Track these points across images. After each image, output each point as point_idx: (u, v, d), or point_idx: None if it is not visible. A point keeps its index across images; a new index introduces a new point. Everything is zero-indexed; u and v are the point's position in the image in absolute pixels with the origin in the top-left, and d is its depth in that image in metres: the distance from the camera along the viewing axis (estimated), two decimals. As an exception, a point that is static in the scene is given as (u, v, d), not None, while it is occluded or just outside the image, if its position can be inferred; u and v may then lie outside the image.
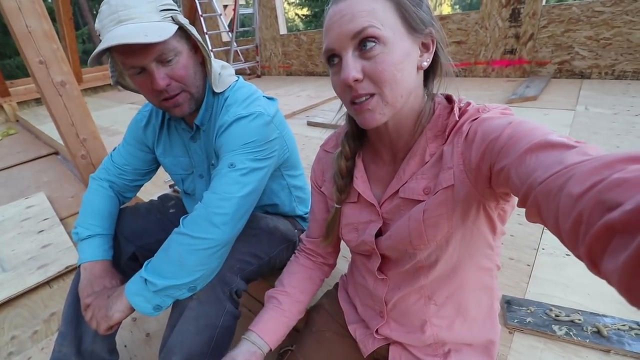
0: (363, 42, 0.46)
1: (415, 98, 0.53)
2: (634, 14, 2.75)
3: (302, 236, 0.82)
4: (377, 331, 0.68)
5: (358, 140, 0.64)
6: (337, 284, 0.86)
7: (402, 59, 0.47)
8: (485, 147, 0.44)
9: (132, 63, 0.72)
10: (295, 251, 0.83)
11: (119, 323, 0.77)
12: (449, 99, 0.56)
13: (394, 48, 0.46)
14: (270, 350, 0.70)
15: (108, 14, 0.70)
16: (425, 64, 0.51)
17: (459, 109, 0.53)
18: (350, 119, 0.63)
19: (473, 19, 3.51)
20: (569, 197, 0.28)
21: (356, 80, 0.47)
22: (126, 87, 0.89)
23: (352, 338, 0.74)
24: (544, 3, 3.11)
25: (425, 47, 0.51)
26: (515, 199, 0.40)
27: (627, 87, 2.69)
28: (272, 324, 0.71)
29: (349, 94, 0.49)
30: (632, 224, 0.22)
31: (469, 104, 0.53)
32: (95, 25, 0.73)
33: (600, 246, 0.25)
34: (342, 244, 0.75)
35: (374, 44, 0.46)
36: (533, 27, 3.20)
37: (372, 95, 0.48)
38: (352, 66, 0.47)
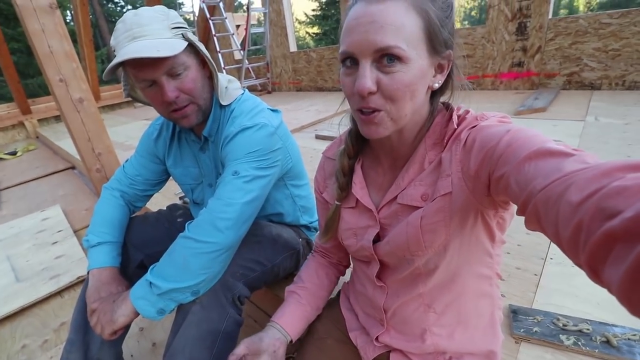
0: (385, 56, 0.45)
1: (420, 113, 0.54)
2: (642, 25, 2.74)
3: (316, 240, 0.85)
4: (377, 339, 0.68)
5: (361, 139, 0.64)
6: (339, 291, 0.86)
7: (417, 80, 0.47)
8: (483, 154, 0.45)
9: (144, 76, 0.77)
10: (312, 252, 0.86)
11: (124, 328, 0.78)
12: (447, 106, 0.57)
13: (413, 69, 0.46)
14: (291, 341, 0.72)
15: (123, 32, 0.75)
16: (437, 86, 0.52)
17: (458, 116, 0.53)
18: (355, 119, 0.64)
19: (479, 33, 3.55)
20: (569, 205, 0.29)
21: (370, 93, 0.47)
22: (137, 100, 0.93)
23: (353, 345, 0.74)
24: (550, 16, 3.13)
25: (440, 68, 0.51)
26: (515, 208, 0.40)
27: (638, 98, 2.65)
28: (293, 317, 0.73)
29: (358, 102, 0.49)
30: (633, 232, 0.22)
31: (467, 111, 0.54)
32: (111, 42, 0.79)
33: (601, 254, 0.25)
34: None
35: (395, 61, 0.45)
36: (540, 40, 3.21)
37: (379, 110, 0.48)
38: (369, 77, 0.46)
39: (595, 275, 0.27)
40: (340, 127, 0.68)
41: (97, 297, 0.83)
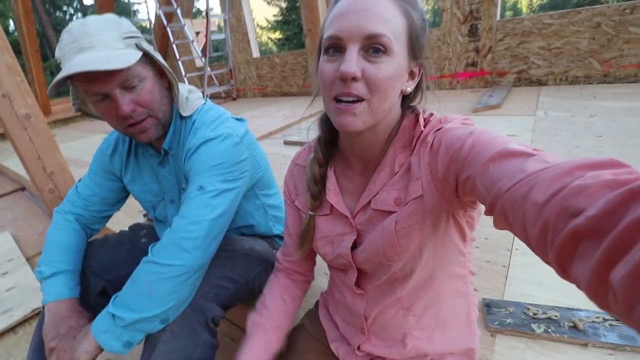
0: (373, 45, 0.46)
1: (392, 116, 0.54)
2: (579, 25, 2.99)
3: (278, 255, 0.79)
4: (359, 348, 0.67)
5: (331, 147, 0.63)
6: (317, 301, 0.85)
7: (397, 76, 0.48)
8: (449, 157, 0.46)
9: (95, 90, 0.71)
10: (274, 271, 0.80)
11: (88, 365, 0.72)
12: (413, 110, 0.58)
13: (396, 63, 0.47)
14: None
15: (69, 42, 0.69)
16: (409, 90, 0.53)
17: (424, 119, 0.54)
18: (323, 126, 0.62)
19: (435, 36, 3.70)
20: (534, 205, 0.30)
21: (354, 78, 0.46)
22: (89, 114, 0.87)
23: (334, 357, 0.72)
24: (498, 18, 3.33)
25: (412, 74, 0.53)
26: (482, 206, 0.41)
27: (580, 91, 2.88)
28: (261, 356, 0.67)
29: (338, 89, 0.47)
30: (596, 229, 0.23)
31: (432, 114, 0.55)
32: (56, 53, 0.72)
33: (568, 252, 0.26)
34: (319, 258, 0.74)
35: (382, 52, 0.46)
36: (491, 41, 3.41)
37: (361, 100, 0.47)
38: (355, 62, 0.45)
39: (564, 272, 0.28)
40: (309, 132, 0.67)
41: (55, 334, 0.75)
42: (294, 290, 0.77)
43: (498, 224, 0.38)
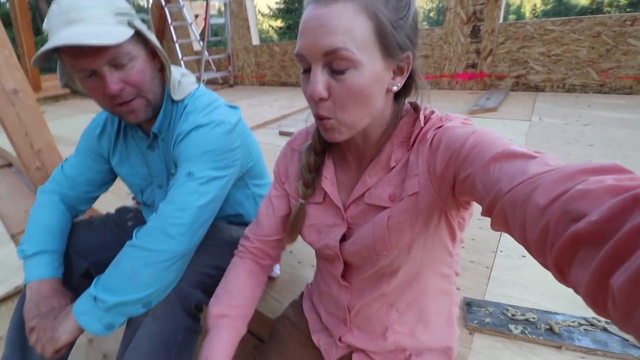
0: (334, 60, 0.44)
1: (383, 114, 0.53)
2: (580, 33, 3.00)
3: (248, 233, 0.72)
4: (340, 339, 0.68)
5: None
6: (302, 293, 0.85)
7: (370, 84, 0.46)
8: (449, 155, 0.45)
9: (81, 66, 0.69)
10: (239, 252, 0.73)
11: (68, 346, 0.72)
12: (414, 106, 0.57)
13: (364, 72, 0.45)
14: None
15: (58, 14, 0.67)
16: (396, 88, 0.51)
17: (424, 116, 0.53)
18: None
19: (437, 34, 3.68)
20: (535, 207, 0.29)
21: (321, 99, 0.46)
22: (76, 91, 0.85)
23: (316, 348, 0.73)
24: (501, 21, 3.33)
25: (399, 70, 0.50)
26: (474, 207, 0.40)
27: (576, 100, 2.90)
28: (227, 353, 0.63)
29: (314, 107, 0.49)
30: (598, 235, 0.23)
31: (432, 112, 0.54)
32: (44, 25, 0.70)
33: (568, 256, 0.26)
34: (307, 248, 0.72)
35: (345, 67, 0.44)
36: (492, 43, 3.40)
37: (329, 118, 0.48)
38: (320, 82, 0.46)
39: (562, 276, 0.28)
40: (306, 123, 0.66)
41: (37, 313, 0.74)
42: (261, 276, 0.73)
43: (496, 226, 0.37)
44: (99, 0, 0.69)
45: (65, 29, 0.65)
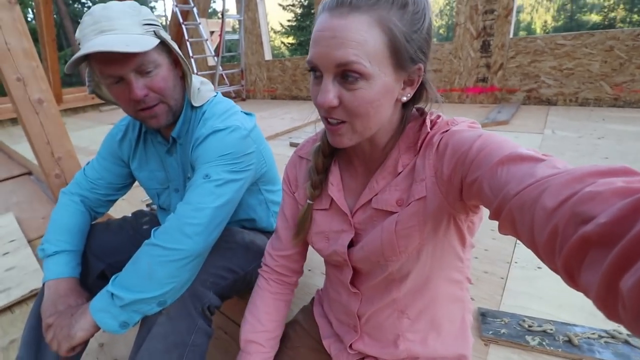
0: (346, 72, 0.45)
1: (390, 121, 0.53)
2: (592, 47, 3.00)
3: (269, 250, 0.74)
4: (350, 346, 0.67)
5: None
6: (313, 298, 0.85)
7: (381, 96, 0.46)
8: (456, 159, 0.45)
9: (110, 72, 0.73)
10: (264, 272, 0.75)
11: (83, 344, 0.72)
12: (420, 111, 0.57)
13: (375, 84, 0.45)
14: None
15: (90, 24, 0.71)
16: (405, 99, 0.51)
17: (430, 121, 0.54)
18: None
19: (447, 49, 3.73)
20: (544, 210, 0.29)
21: (330, 107, 0.47)
22: (102, 97, 0.89)
23: (326, 354, 0.72)
24: (511, 36, 3.35)
25: (410, 81, 0.50)
26: (483, 212, 0.40)
27: (590, 113, 2.88)
28: None
29: (323, 112, 0.50)
30: (607, 236, 0.23)
31: (439, 116, 0.54)
32: (76, 34, 0.74)
33: (577, 259, 0.25)
34: (316, 256, 0.73)
35: (357, 78, 0.45)
36: (502, 58, 3.42)
37: (343, 122, 0.49)
38: (331, 91, 0.46)
39: (572, 280, 0.27)
40: (316, 128, 0.67)
41: (54, 311, 0.76)
42: (287, 295, 0.75)
43: (503, 229, 0.37)
44: (129, 11, 0.74)
45: (97, 37, 0.70)
